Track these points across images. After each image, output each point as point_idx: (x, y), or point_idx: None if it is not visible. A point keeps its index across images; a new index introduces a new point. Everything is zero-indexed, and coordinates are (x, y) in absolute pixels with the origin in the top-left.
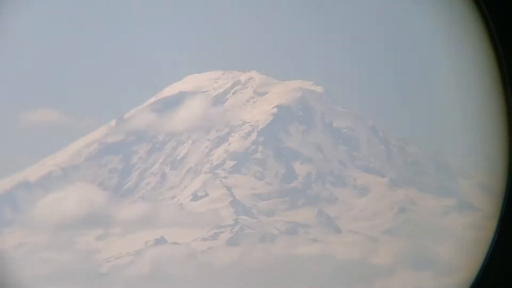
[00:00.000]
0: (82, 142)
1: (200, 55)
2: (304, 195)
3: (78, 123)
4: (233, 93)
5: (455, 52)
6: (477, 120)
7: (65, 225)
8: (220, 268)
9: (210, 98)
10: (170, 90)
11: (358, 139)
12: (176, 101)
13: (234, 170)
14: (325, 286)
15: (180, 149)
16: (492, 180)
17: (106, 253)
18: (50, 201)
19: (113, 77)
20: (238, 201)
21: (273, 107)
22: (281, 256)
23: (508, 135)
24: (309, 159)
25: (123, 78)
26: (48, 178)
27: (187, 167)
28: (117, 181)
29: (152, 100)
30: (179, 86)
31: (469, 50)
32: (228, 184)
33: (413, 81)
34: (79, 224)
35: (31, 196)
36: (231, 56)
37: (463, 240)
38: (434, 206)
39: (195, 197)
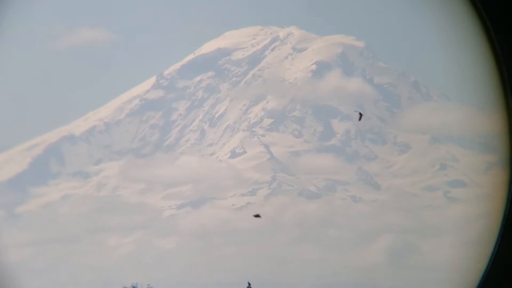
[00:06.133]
0: (124, 98)
1: (237, 10)
2: (343, 153)
3: (119, 79)
4: (272, 50)
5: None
6: None
7: (107, 180)
8: (258, 223)
9: (247, 55)
10: (208, 47)
11: (400, 96)
12: (214, 57)
13: (272, 128)
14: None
15: (219, 106)
16: None
17: (148, 207)
18: (97, 157)
19: (153, 34)
20: (276, 158)
21: (312, 64)
22: (317, 211)
23: (509, 136)
24: (348, 116)
25: (162, 35)
26: (92, 132)
27: (226, 124)
28: (158, 137)
29: (190, 57)
30: (217, 42)
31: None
32: (266, 141)
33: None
34: (121, 178)
35: (76, 149)
36: (270, 11)
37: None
38: (476, 162)
39: (234, 154)
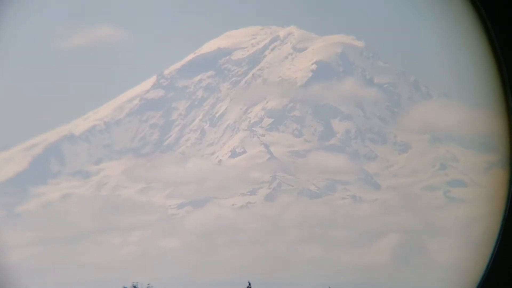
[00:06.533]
0: (124, 98)
1: (237, 10)
2: (343, 153)
3: (119, 78)
4: (272, 50)
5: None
6: None
7: (107, 179)
8: (258, 222)
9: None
10: (208, 47)
11: (400, 95)
12: (214, 57)
13: (272, 128)
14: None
15: (219, 106)
16: None
17: (148, 206)
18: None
19: (153, 34)
20: (276, 158)
21: (312, 64)
22: (317, 211)
23: (509, 136)
24: (348, 116)
25: (162, 35)
26: (92, 131)
27: (226, 124)
28: (158, 136)
29: (191, 56)
30: (217, 42)
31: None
32: (266, 141)
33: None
34: (121, 178)
35: (76, 149)
36: (270, 11)
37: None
38: (476, 162)
39: (234, 154)
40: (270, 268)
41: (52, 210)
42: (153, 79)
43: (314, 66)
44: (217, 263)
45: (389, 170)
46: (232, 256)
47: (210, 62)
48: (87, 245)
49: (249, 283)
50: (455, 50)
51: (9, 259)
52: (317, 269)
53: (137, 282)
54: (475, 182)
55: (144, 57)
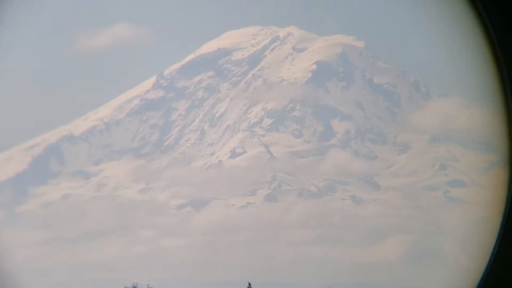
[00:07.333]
0: (124, 98)
1: (237, 10)
2: (343, 153)
3: (119, 78)
4: (272, 50)
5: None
6: None
7: (107, 179)
8: (258, 223)
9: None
10: (208, 47)
11: (400, 96)
12: (214, 57)
13: (271, 128)
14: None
15: (219, 106)
16: None
17: (147, 207)
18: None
19: (153, 34)
20: (276, 158)
21: (312, 64)
22: (317, 211)
23: (509, 136)
24: (348, 116)
25: (162, 35)
26: (92, 132)
27: (226, 124)
28: (158, 136)
29: (190, 57)
30: (217, 43)
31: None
32: (266, 141)
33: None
34: (121, 178)
35: (76, 149)
36: (270, 11)
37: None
38: (476, 162)
39: (234, 154)
40: (270, 268)
41: (52, 210)
42: (153, 79)
43: (314, 67)
44: (217, 263)
45: (389, 170)
46: (232, 256)
47: (210, 63)
48: (87, 245)
49: (249, 284)
50: (455, 50)
51: (9, 259)
52: (317, 269)
53: (137, 283)
54: (475, 182)
55: (143, 57)
